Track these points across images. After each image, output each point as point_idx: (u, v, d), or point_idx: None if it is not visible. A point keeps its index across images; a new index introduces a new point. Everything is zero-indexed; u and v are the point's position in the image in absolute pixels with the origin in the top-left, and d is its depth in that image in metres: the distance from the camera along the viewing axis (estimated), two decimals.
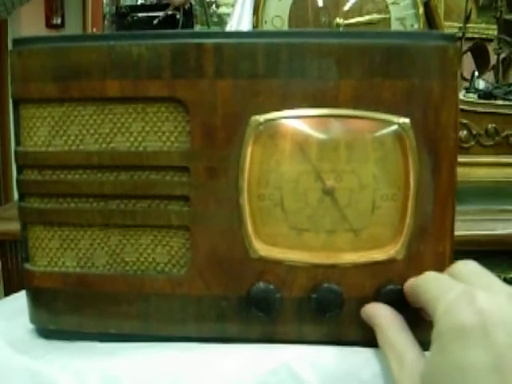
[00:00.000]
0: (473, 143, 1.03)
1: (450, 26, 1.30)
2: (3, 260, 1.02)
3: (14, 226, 0.96)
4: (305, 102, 0.52)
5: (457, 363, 0.40)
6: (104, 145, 0.54)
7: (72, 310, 0.57)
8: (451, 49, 0.52)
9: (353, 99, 0.52)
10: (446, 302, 0.43)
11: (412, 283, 0.51)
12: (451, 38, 0.53)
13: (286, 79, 0.51)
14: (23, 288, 0.67)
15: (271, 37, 0.52)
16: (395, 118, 0.52)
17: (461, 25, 1.30)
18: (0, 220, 1.00)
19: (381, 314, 0.52)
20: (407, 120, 0.52)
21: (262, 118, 0.52)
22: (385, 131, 0.52)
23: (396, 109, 0.52)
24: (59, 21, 3.40)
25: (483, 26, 1.42)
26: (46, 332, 0.59)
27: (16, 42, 0.56)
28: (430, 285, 0.47)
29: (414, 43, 0.52)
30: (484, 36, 1.33)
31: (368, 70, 0.51)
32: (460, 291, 0.43)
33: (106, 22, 1.52)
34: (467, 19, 1.18)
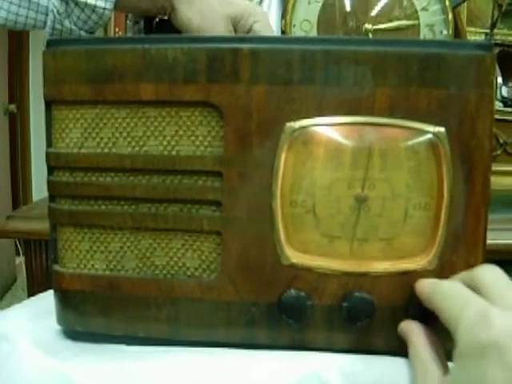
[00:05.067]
0: (499, 152, 1.03)
1: (475, 32, 1.29)
2: (27, 259, 1.02)
3: (39, 226, 0.96)
4: (340, 109, 0.51)
5: (476, 383, 0.40)
6: (137, 148, 0.54)
7: (100, 313, 0.57)
8: (488, 58, 0.52)
9: (388, 107, 0.51)
10: (463, 322, 0.43)
11: (428, 295, 0.51)
12: (488, 47, 0.52)
13: (322, 86, 0.51)
14: (47, 287, 0.67)
15: (307, 43, 0.52)
16: (430, 127, 0.51)
17: (484, 31, 1.29)
18: (24, 219, 1.00)
19: (413, 330, 0.52)
20: (442, 129, 0.51)
21: (296, 124, 0.51)
22: (419, 140, 0.52)
23: (431, 118, 0.51)
24: None
25: (505, 31, 1.41)
26: (73, 334, 0.59)
27: (50, 43, 0.56)
28: (448, 302, 0.47)
29: (450, 52, 0.51)
30: (508, 42, 1.32)
31: (404, 79, 0.51)
32: (477, 310, 0.43)
33: (128, 21, 1.51)
34: (494, 26, 1.17)
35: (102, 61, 0.53)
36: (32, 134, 4.02)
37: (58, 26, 0.79)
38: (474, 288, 0.47)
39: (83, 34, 0.81)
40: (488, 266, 0.49)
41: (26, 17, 0.79)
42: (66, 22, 0.79)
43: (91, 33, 0.84)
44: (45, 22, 0.80)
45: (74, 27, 0.80)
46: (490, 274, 0.48)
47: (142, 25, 1.39)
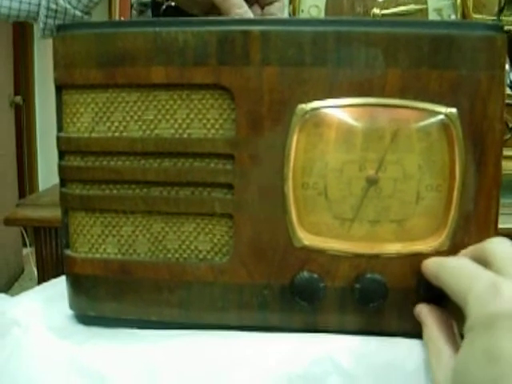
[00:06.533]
0: (508, 136, 1.02)
1: (481, 19, 1.28)
2: (37, 247, 1.02)
3: (48, 213, 0.96)
4: (351, 90, 0.51)
5: (487, 354, 0.40)
6: (148, 131, 0.54)
7: (112, 297, 0.57)
8: (499, 39, 0.52)
9: (399, 89, 0.51)
10: (473, 295, 0.43)
11: (435, 272, 0.51)
12: (499, 28, 0.52)
13: (333, 68, 0.51)
14: (57, 274, 0.67)
15: (318, 25, 0.52)
16: (442, 108, 0.51)
17: (491, 18, 1.28)
18: (34, 207, 1.00)
19: (426, 312, 0.52)
20: (454, 110, 0.51)
21: (308, 106, 0.51)
22: (431, 121, 0.52)
23: (443, 99, 0.51)
24: None
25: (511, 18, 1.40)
26: (85, 318, 0.59)
27: (60, 27, 0.56)
28: (456, 278, 0.47)
29: (461, 33, 0.51)
30: None
31: (415, 60, 0.51)
32: (486, 282, 0.43)
33: (133, 11, 1.51)
34: (501, 11, 1.17)
35: (112, 44, 0.53)
36: (38, 125, 4.02)
37: (52, 6, 0.79)
38: (483, 261, 0.47)
39: (78, 13, 0.81)
40: (497, 238, 0.49)
41: (20, 1, 0.79)
42: (61, 1, 0.79)
43: (87, 12, 0.83)
44: (38, 6, 0.80)
45: (68, 6, 0.79)
46: (499, 246, 0.48)
47: (147, 14, 1.39)
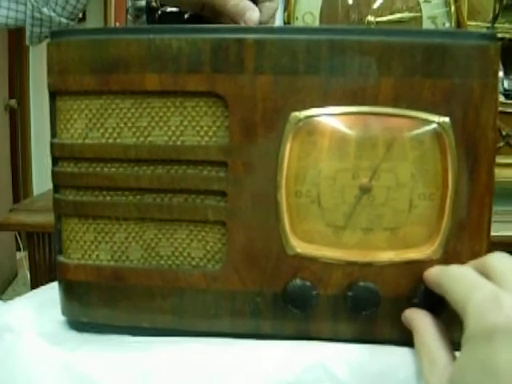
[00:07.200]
0: (502, 144, 1.03)
1: (476, 26, 1.29)
2: (30, 252, 1.02)
3: (41, 218, 0.96)
4: (345, 99, 0.51)
5: (485, 366, 0.40)
6: (141, 138, 0.54)
7: (105, 304, 0.57)
8: (492, 48, 0.52)
9: (393, 97, 0.51)
10: (473, 304, 0.43)
11: (437, 279, 0.51)
12: (492, 37, 0.52)
13: (327, 76, 0.51)
14: (50, 280, 0.67)
15: (312, 33, 0.52)
16: (435, 117, 0.51)
17: (485, 25, 1.29)
18: (28, 212, 1.00)
19: (418, 318, 0.52)
20: (447, 119, 0.51)
21: (301, 114, 0.51)
22: (424, 130, 0.52)
23: (436, 108, 0.51)
24: (80, 14, 3.39)
25: (507, 25, 1.41)
26: (78, 324, 0.59)
27: (54, 34, 0.56)
28: (457, 285, 0.47)
29: (455, 42, 0.51)
30: (509, 36, 1.32)
31: (409, 69, 0.51)
32: (487, 293, 0.43)
33: (128, 16, 1.51)
34: (495, 19, 1.17)
35: (106, 51, 0.53)
36: (32, 129, 4.01)
37: (36, 15, 0.79)
38: (484, 274, 0.47)
39: (64, 20, 0.81)
40: (498, 253, 0.49)
41: (8, 9, 0.79)
42: (45, 10, 0.78)
43: (72, 19, 0.83)
44: (25, 14, 0.80)
45: (53, 14, 0.79)
46: (500, 260, 0.47)
47: (142, 19, 1.39)
